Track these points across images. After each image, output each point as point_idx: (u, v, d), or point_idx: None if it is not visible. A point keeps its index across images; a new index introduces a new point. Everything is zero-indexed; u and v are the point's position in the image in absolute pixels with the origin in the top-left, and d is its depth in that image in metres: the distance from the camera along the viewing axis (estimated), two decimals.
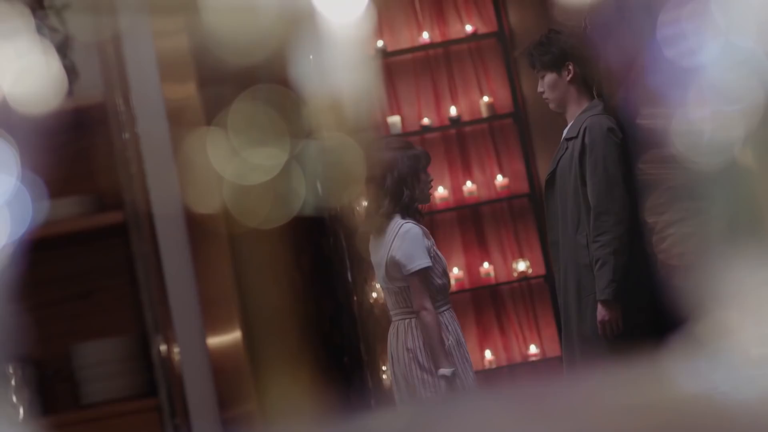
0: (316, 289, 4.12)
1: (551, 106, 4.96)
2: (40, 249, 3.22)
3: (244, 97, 2.96)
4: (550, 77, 4.90)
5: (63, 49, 3.27)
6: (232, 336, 3.51)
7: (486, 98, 7.44)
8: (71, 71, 3.27)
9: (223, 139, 2.98)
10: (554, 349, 7.18)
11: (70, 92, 3.25)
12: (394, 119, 7.45)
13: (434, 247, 4.89)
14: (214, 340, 3.39)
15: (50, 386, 3.46)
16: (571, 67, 4.84)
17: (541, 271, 7.29)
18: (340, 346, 4.23)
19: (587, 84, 4.87)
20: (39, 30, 2.76)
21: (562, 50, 4.88)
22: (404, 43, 7.51)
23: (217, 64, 2.75)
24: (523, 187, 7.42)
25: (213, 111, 3.03)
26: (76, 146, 3.34)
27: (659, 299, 4.39)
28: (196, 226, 3.14)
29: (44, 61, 2.53)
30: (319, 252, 4.19)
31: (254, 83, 2.93)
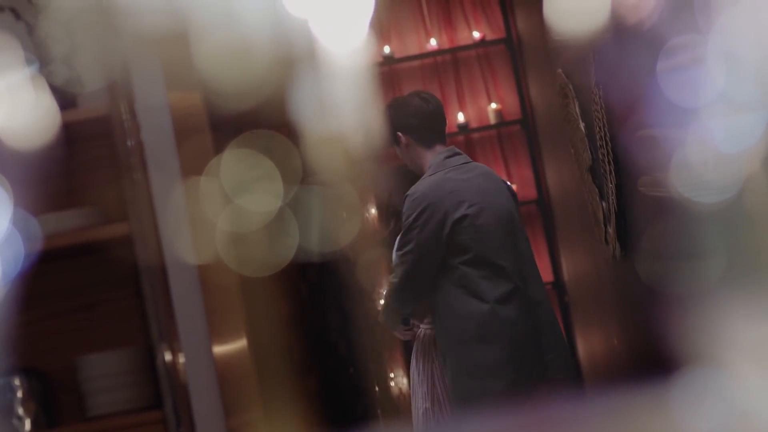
0: (322, 300, 4.11)
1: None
2: (45, 261, 3.22)
3: (237, 143, 2.96)
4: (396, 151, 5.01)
5: (68, 60, 3.27)
6: (238, 346, 3.51)
7: (494, 105, 7.43)
8: (76, 82, 3.26)
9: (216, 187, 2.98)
10: None
11: (75, 104, 3.25)
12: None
13: None
14: (220, 351, 3.38)
15: (56, 398, 3.46)
16: (401, 137, 4.94)
17: (549, 277, 7.28)
18: (346, 357, 4.22)
19: (427, 140, 4.95)
20: (34, 55, 2.76)
21: (389, 125, 5.00)
22: (412, 49, 7.50)
23: (211, 111, 2.76)
24: (531, 193, 7.40)
25: (204, 158, 3.04)
26: (81, 158, 3.34)
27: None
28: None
29: (35, 96, 2.52)
30: (325, 262, 4.18)
31: (248, 128, 2.94)
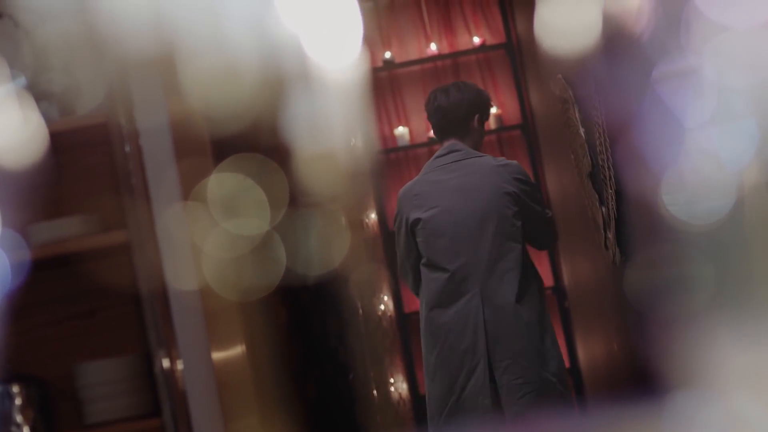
0: (321, 306, 4.11)
1: None
2: (43, 268, 3.23)
3: (223, 167, 2.97)
4: None
5: (66, 67, 3.27)
6: (237, 353, 3.50)
7: (494, 110, 7.43)
8: (75, 90, 3.26)
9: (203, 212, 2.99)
10: None
11: (73, 111, 3.25)
12: (402, 131, 7.44)
13: None
14: (218, 358, 3.38)
15: (54, 406, 3.46)
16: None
17: (550, 282, 7.27)
18: (345, 363, 4.21)
19: (438, 135, 5.11)
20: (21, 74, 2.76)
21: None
22: (412, 54, 7.50)
23: (197, 135, 2.76)
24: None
25: (191, 182, 3.04)
26: (79, 165, 3.34)
27: None
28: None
29: (23, 115, 2.53)
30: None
31: (239, 151, 2.94)
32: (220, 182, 2.96)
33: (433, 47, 7.48)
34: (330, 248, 3.81)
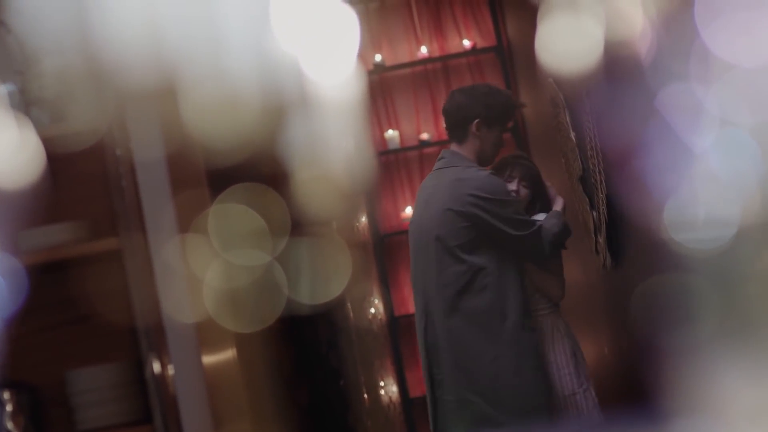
0: (312, 312, 4.11)
1: None
2: (34, 275, 3.22)
3: (224, 197, 2.96)
4: None
5: (61, 76, 3.26)
6: (228, 359, 3.50)
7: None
8: (67, 97, 3.25)
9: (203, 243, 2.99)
10: None
11: (65, 118, 3.24)
12: (393, 134, 7.44)
13: None
14: (209, 364, 3.38)
15: (45, 412, 3.45)
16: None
17: None
18: (336, 369, 4.21)
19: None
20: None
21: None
22: (402, 57, 7.50)
23: (193, 166, 2.76)
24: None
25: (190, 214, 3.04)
26: (71, 172, 3.33)
27: None
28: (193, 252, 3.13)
29: (19, 135, 2.52)
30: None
31: (239, 181, 2.94)
32: (221, 213, 2.96)
33: (423, 50, 7.48)
34: (331, 278, 3.82)
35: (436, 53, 7.51)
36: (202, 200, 2.99)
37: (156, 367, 3.28)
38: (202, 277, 2.96)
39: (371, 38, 7.49)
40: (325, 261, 3.59)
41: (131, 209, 3.12)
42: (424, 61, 7.49)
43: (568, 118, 5.75)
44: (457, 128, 4.88)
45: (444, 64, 7.54)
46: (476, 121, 4.81)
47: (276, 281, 3.05)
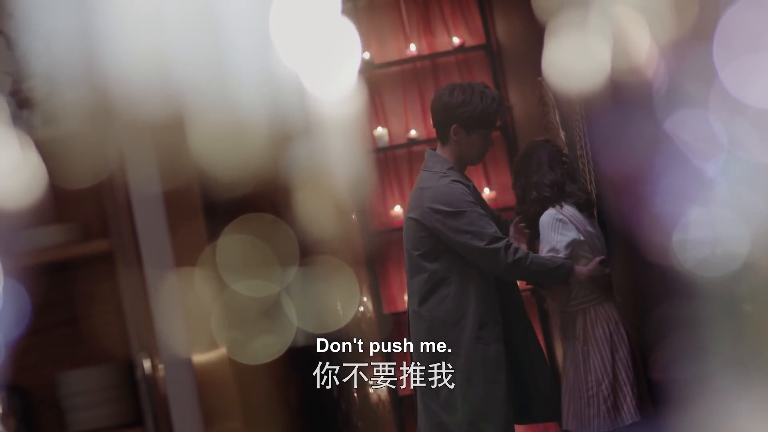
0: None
1: None
2: (26, 277, 3.21)
3: (232, 229, 2.96)
4: None
5: (48, 78, 3.26)
6: (218, 359, 3.50)
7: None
8: (56, 101, 3.25)
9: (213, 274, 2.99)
10: None
11: (54, 123, 3.23)
12: (381, 132, 7.44)
13: None
14: (200, 366, 3.38)
15: (36, 414, 3.45)
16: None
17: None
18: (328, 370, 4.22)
19: None
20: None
21: None
22: (391, 55, 7.50)
23: (206, 196, 2.76)
24: (510, 199, 7.40)
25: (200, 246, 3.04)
26: (62, 173, 3.32)
27: None
28: (183, 256, 3.14)
29: (21, 156, 2.52)
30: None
31: (245, 212, 2.94)
32: (228, 245, 2.96)
33: (412, 48, 7.48)
34: (339, 307, 3.84)
35: (425, 51, 7.51)
36: (199, 233, 3.00)
37: (147, 368, 3.28)
38: (206, 310, 2.97)
39: (360, 36, 7.49)
40: (331, 289, 3.59)
41: (123, 215, 3.12)
42: (413, 59, 7.49)
43: (557, 118, 5.76)
44: (438, 130, 4.83)
45: (433, 62, 7.54)
46: (453, 126, 4.75)
47: (283, 311, 3.06)
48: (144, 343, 3.28)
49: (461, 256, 4.61)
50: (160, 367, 3.29)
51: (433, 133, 7.33)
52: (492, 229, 4.63)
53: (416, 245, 4.65)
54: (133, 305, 3.30)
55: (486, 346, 4.59)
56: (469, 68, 7.52)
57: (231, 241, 2.99)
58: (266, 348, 3.12)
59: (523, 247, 4.74)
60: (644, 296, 4.59)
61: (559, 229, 4.75)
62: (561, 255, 4.70)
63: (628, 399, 4.57)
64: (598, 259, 4.73)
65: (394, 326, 7.17)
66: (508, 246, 4.59)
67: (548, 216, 4.81)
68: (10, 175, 2.60)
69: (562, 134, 5.51)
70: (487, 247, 4.59)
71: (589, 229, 4.80)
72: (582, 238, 4.76)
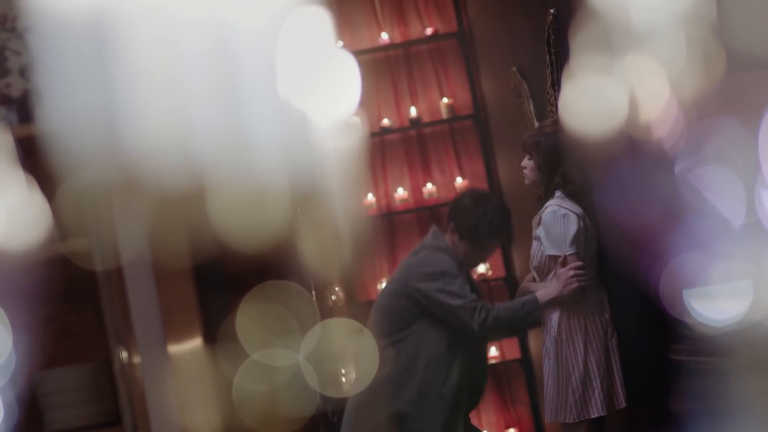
0: None
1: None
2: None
3: (250, 298, 2.96)
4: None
5: (26, 71, 3.23)
6: (197, 356, 3.49)
7: (446, 99, 7.43)
8: (36, 94, 3.22)
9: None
10: None
11: (35, 118, 3.21)
12: (354, 120, 7.42)
13: None
14: (179, 362, 3.36)
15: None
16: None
17: (501, 272, 7.30)
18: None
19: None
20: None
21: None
22: (364, 43, 7.47)
23: (226, 265, 2.74)
24: (483, 188, 7.41)
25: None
26: (38, 173, 3.29)
27: None
28: (163, 259, 3.12)
29: (28, 200, 2.48)
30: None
31: (265, 279, 2.94)
32: (246, 315, 2.96)
33: (384, 36, 7.46)
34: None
35: (398, 40, 7.49)
36: (188, 301, 2.99)
37: (125, 367, 3.26)
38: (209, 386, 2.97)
39: (332, 24, 7.46)
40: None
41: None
42: (386, 47, 7.47)
43: (532, 108, 5.76)
44: (448, 218, 4.96)
45: (405, 51, 7.52)
46: (450, 223, 4.90)
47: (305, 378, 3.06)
48: (122, 344, 3.26)
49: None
50: (138, 362, 3.28)
51: (406, 121, 7.38)
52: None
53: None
54: (112, 304, 3.28)
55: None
56: (442, 56, 7.51)
57: (250, 310, 3.01)
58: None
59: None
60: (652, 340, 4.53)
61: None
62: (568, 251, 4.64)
63: (596, 392, 4.57)
64: (566, 270, 4.66)
65: (366, 316, 7.17)
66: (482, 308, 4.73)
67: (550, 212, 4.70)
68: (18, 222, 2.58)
69: (537, 125, 5.52)
70: (463, 304, 4.75)
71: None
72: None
